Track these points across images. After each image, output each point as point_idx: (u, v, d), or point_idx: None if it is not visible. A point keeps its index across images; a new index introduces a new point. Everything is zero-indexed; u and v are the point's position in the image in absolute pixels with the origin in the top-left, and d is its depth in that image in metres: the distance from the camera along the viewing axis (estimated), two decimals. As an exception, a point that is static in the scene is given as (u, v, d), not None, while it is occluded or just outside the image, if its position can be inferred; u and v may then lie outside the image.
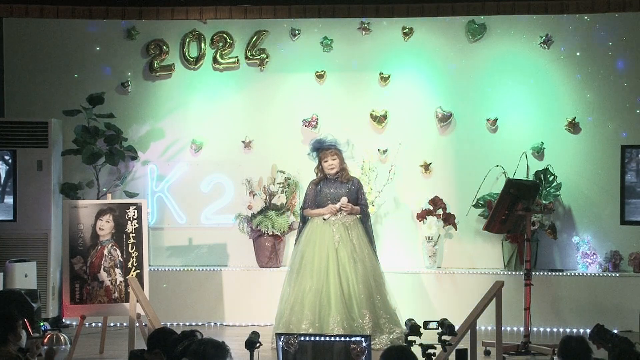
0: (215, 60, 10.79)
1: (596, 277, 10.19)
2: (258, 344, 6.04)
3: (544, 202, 10.22)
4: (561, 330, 10.04)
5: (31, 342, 6.34)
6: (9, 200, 10.21)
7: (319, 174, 9.42)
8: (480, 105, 10.62)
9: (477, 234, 10.46)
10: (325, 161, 9.32)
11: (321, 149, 9.35)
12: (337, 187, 9.31)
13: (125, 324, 9.74)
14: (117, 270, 9.02)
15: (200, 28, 10.76)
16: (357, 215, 9.33)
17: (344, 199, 9.21)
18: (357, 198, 9.34)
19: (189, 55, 10.81)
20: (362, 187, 9.50)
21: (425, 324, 6.34)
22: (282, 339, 6.20)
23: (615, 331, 6.96)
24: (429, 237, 10.38)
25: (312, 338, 6.28)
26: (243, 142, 10.78)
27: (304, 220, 9.45)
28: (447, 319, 6.47)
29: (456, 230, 10.47)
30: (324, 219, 9.22)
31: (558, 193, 10.36)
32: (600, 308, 9.98)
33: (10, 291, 8.90)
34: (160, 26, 10.74)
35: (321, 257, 9.12)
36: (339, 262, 9.09)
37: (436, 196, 10.43)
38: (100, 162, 10.28)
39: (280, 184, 10.54)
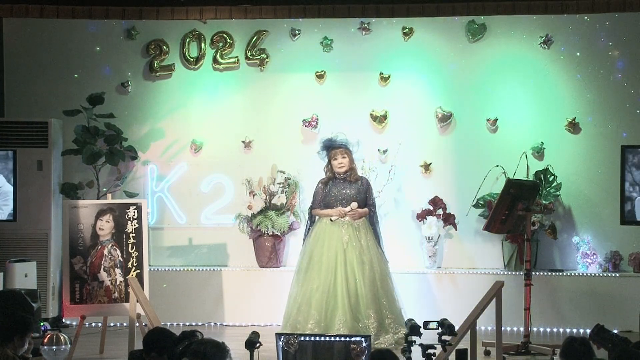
0: (215, 60, 10.79)
1: (596, 277, 10.19)
2: (258, 344, 6.04)
3: (544, 202, 10.22)
4: (561, 330, 10.05)
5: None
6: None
7: (327, 173, 9.44)
8: (480, 105, 10.62)
9: (477, 234, 10.46)
10: (335, 159, 9.34)
11: (331, 147, 9.37)
12: (345, 187, 9.33)
13: (125, 324, 9.74)
14: (117, 270, 9.02)
15: (200, 28, 10.76)
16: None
17: (354, 204, 9.23)
18: (366, 198, 9.36)
19: (189, 55, 10.81)
20: (371, 188, 9.53)
21: (425, 324, 6.34)
22: (282, 339, 6.20)
23: (615, 331, 6.95)
24: (429, 237, 10.38)
25: (312, 338, 6.28)
26: (243, 142, 10.78)
27: (312, 219, 9.47)
28: (447, 319, 6.46)
29: (456, 230, 10.47)
30: (331, 220, 9.23)
31: (558, 193, 10.36)
32: (600, 308, 9.98)
33: (10, 291, 8.89)
34: (160, 26, 10.74)
35: (329, 257, 9.14)
36: (347, 263, 9.12)
37: (436, 196, 10.43)
38: (100, 162, 10.28)
39: (280, 184, 10.54)
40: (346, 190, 9.32)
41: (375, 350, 5.51)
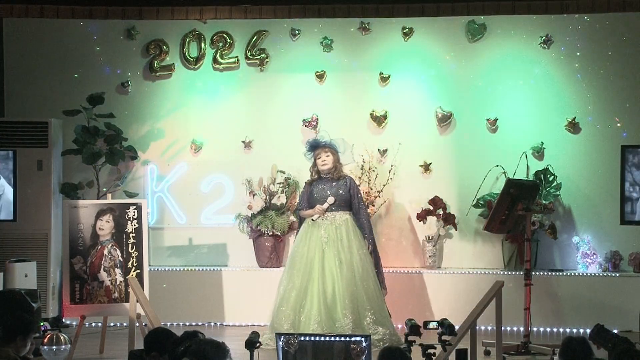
0: (215, 60, 10.79)
1: (596, 277, 10.19)
2: (258, 344, 6.05)
3: (544, 202, 10.22)
4: (561, 330, 10.05)
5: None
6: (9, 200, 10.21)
7: (313, 174, 9.46)
8: (480, 105, 10.62)
9: (477, 234, 10.46)
10: (319, 158, 9.38)
11: (317, 147, 9.40)
12: (328, 187, 9.33)
13: (125, 324, 9.74)
14: (117, 270, 9.02)
15: (200, 28, 10.76)
16: (349, 214, 9.31)
17: (331, 199, 9.25)
18: (350, 197, 9.35)
19: (189, 55, 10.81)
20: (356, 186, 9.50)
21: (425, 324, 6.35)
22: (282, 339, 6.20)
23: (615, 331, 6.96)
24: (429, 237, 10.38)
25: (312, 338, 6.29)
26: (243, 142, 10.78)
27: (300, 221, 9.51)
28: (447, 319, 6.47)
29: (456, 230, 10.47)
30: (313, 220, 9.26)
31: (558, 193, 10.36)
32: (600, 308, 9.97)
33: (10, 291, 8.89)
34: (160, 26, 10.74)
35: (308, 257, 9.19)
36: (325, 263, 9.14)
37: (436, 196, 10.43)
38: (100, 162, 10.28)
39: (280, 184, 10.54)
40: (328, 189, 9.32)
41: (385, 348, 5.50)
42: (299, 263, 9.21)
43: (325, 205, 9.26)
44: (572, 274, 10.24)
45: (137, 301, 8.32)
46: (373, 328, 8.95)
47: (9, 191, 9.92)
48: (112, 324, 9.96)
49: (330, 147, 9.40)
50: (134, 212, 9.13)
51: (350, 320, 8.92)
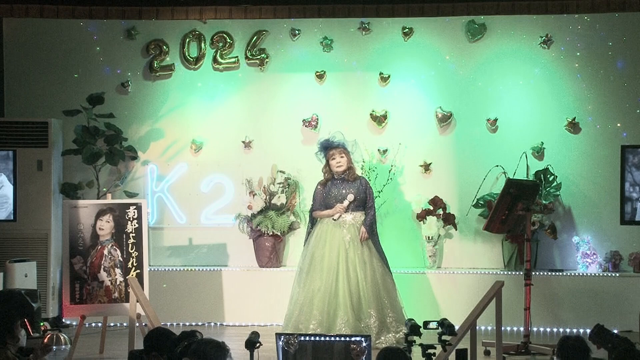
0: (215, 60, 10.79)
1: (596, 277, 10.19)
2: (258, 344, 6.05)
3: (544, 202, 10.22)
4: (561, 330, 10.05)
5: (37, 346, 6.30)
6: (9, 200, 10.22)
7: (326, 175, 9.45)
8: (480, 105, 10.62)
9: (477, 234, 10.46)
10: (333, 159, 9.36)
11: (329, 148, 9.39)
12: (344, 187, 9.34)
13: (125, 324, 9.74)
14: (117, 270, 9.02)
15: (200, 28, 10.76)
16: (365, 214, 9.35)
17: (351, 196, 9.25)
18: (366, 197, 9.36)
19: (189, 55, 10.81)
20: (370, 187, 9.53)
21: (425, 324, 6.34)
22: (282, 339, 6.20)
23: (615, 331, 6.95)
24: (429, 237, 10.38)
25: (312, 338, 6.28)
26: (243, 142, 10.78)
27: (313, 221, 9.48)
28: (447, 319, 6.47)
29: (456, 230, 10.48)
30: (334, 219, 9.25)
31: (558, 193, 10.36)
32: (600, 308, 9.98)
33: (10, 291, 8.90)
34: (160, 26, 10.74)
35: (331, 257, 9.17)
36: (349, 262, 9.15)
37: (436, 196, 10.44)
38: (100, 162, 10.28)
39: (280, 184, 10.54)
40: (345, 190, 9.33)
41: (387, 349, 5.50)
42: (320, 264, 9.19)
43: (346, 203, 9.27)
44: (572, 274, 10.24)
45: (137, 301, 8.31)
46: (396, 327, 8.99)
47: (8, 188, 9.91)
48: (112, 324, 9.96)
49: (343, 147, 9.39)
50: (134, 212, 9.13)
51: (376, 319, 8.96)
